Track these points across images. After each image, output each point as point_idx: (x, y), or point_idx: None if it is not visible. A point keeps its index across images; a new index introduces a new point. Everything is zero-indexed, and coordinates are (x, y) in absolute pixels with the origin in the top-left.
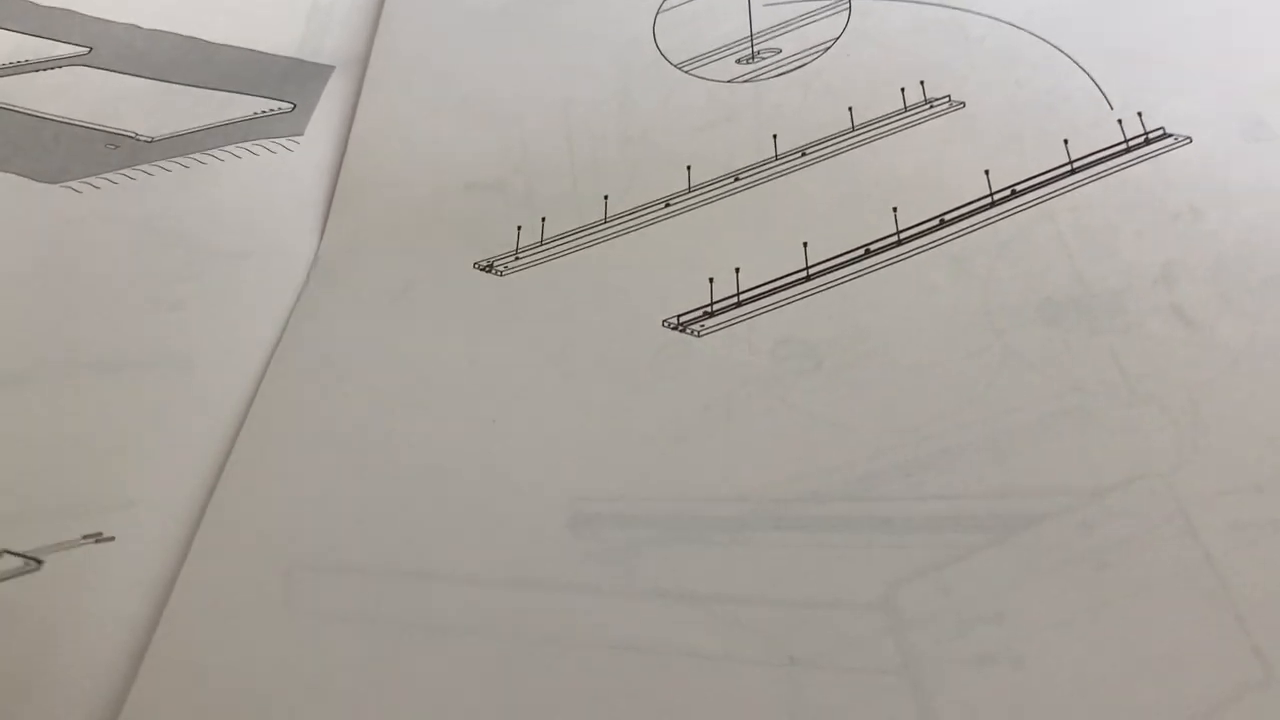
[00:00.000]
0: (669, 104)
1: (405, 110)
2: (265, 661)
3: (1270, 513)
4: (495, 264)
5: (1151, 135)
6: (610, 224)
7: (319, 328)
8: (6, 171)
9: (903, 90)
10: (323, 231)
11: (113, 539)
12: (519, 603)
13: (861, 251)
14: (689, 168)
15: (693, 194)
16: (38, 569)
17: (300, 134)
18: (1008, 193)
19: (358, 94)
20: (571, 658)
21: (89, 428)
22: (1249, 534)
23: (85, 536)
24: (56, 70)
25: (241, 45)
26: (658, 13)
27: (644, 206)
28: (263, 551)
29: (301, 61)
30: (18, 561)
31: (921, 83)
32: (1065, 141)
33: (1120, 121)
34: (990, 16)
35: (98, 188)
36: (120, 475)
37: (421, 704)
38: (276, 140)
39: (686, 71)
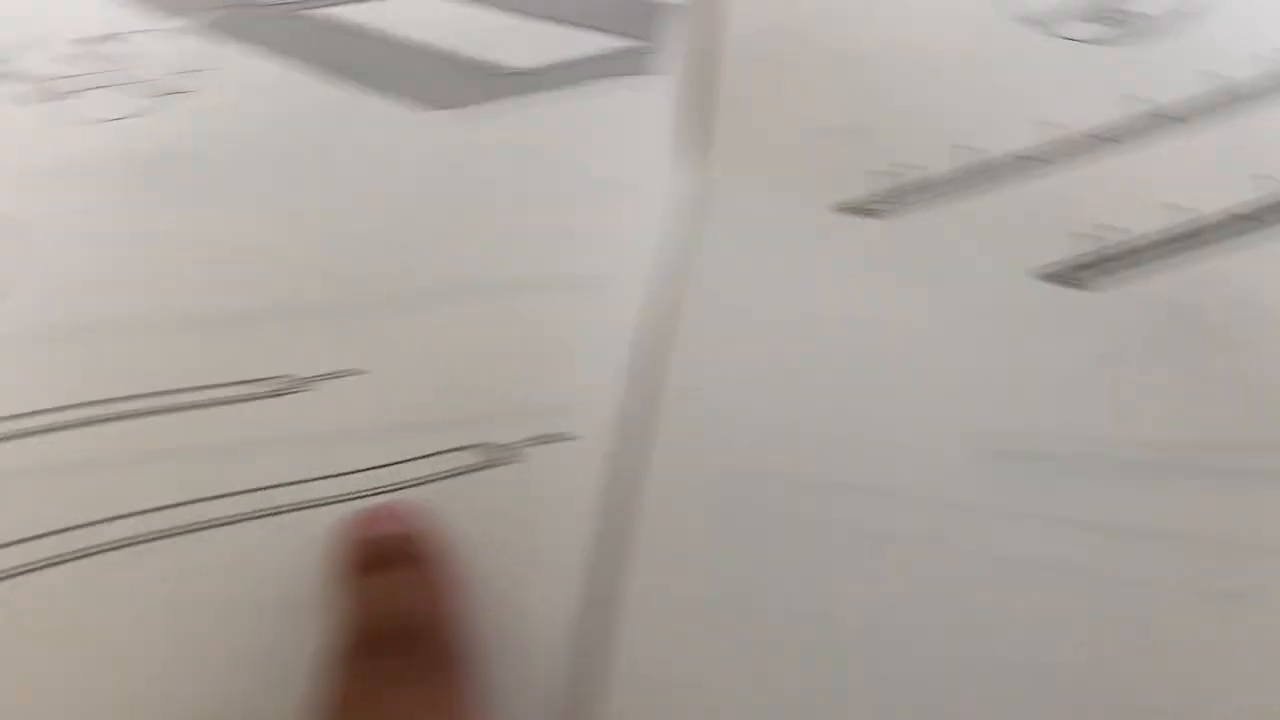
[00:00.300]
0: (1029, 60)
1: (767, 52)
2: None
3: None
4: (870, 206)
5: None
6: (971, 174)
7: (712, 258)
8: (389, 97)
9: (1269, 59)
10: (693, 167)
11: (575, 438)
12: (934, 521)
13: (1250, 219)
14: (1048, 124)
15: (1057, 147)
16: (512, 464)
17: (657, 72)
18: None
19: (712, 35)
20: (984, 571)
21: (525, 339)
22: None
23: (547, 436)
24: None
25: None
26: None
27: (1004, 160)
28: (709, 457)
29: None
30: (495, 453)
31: None
32: None
33: None
34: None
35: (479, 118)
36: (566, 382)
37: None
38: (636, 78)
39: (1038, 28)
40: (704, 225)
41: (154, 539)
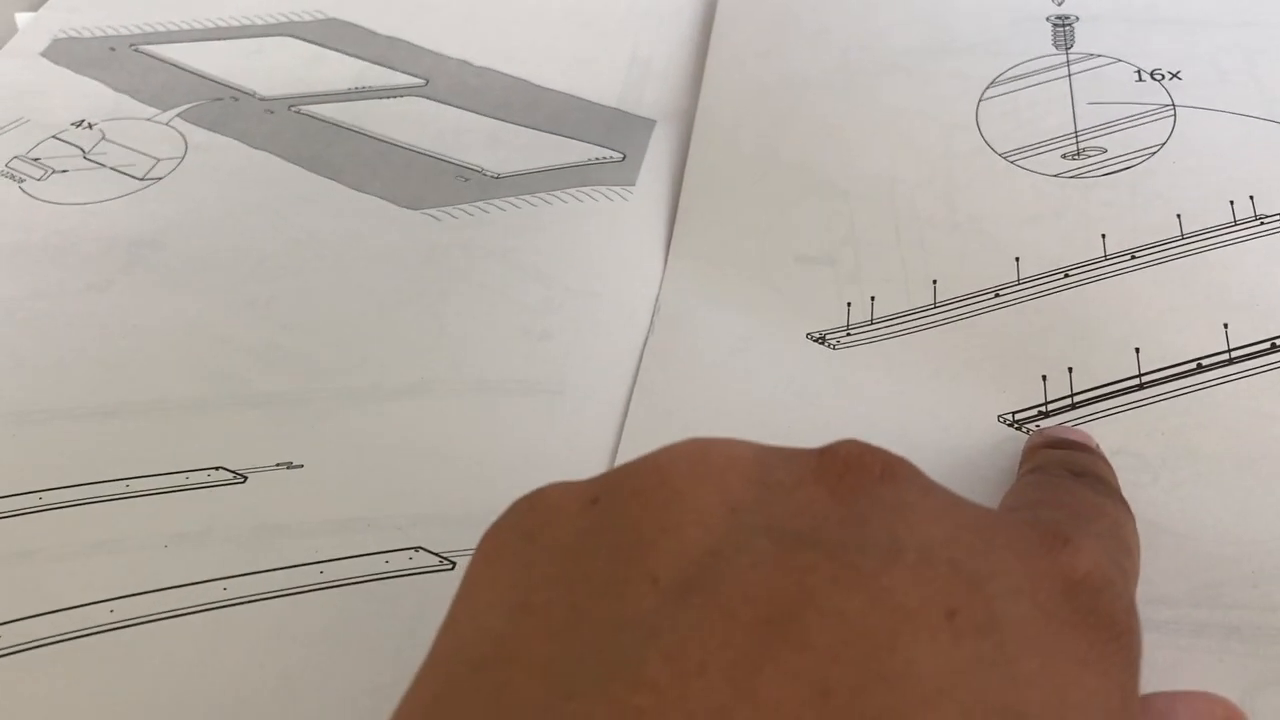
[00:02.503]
0: (996, 192)
1: (731, 171)
2: None
3: None
4: (828, 336)
5: None
6: (940, 309)
7: (670, 371)
8: (367, 193)
9: (1232, 203)
10: (661, 281)
11: None
12: None
13: (1194, 366)
14: (1018, 259)
15: (1023, 286)
16: (451, 570)
17: (632, 184)
18: None
19: (683, 149)
20: None
21: (485, 443)
22: None
23: None
24: (397, 99)
25: (566, 91)
26: (980, 100)
27: (973, 294)
28: None
29: (624, 112)
30: (433, 559)
31: (1251, 197)
32: None
33: None
34: None
35: (455, 217)
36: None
37: None
38: (612, 188)
39: (1012, 161)
40: (675, 337)
41: (83, 635)
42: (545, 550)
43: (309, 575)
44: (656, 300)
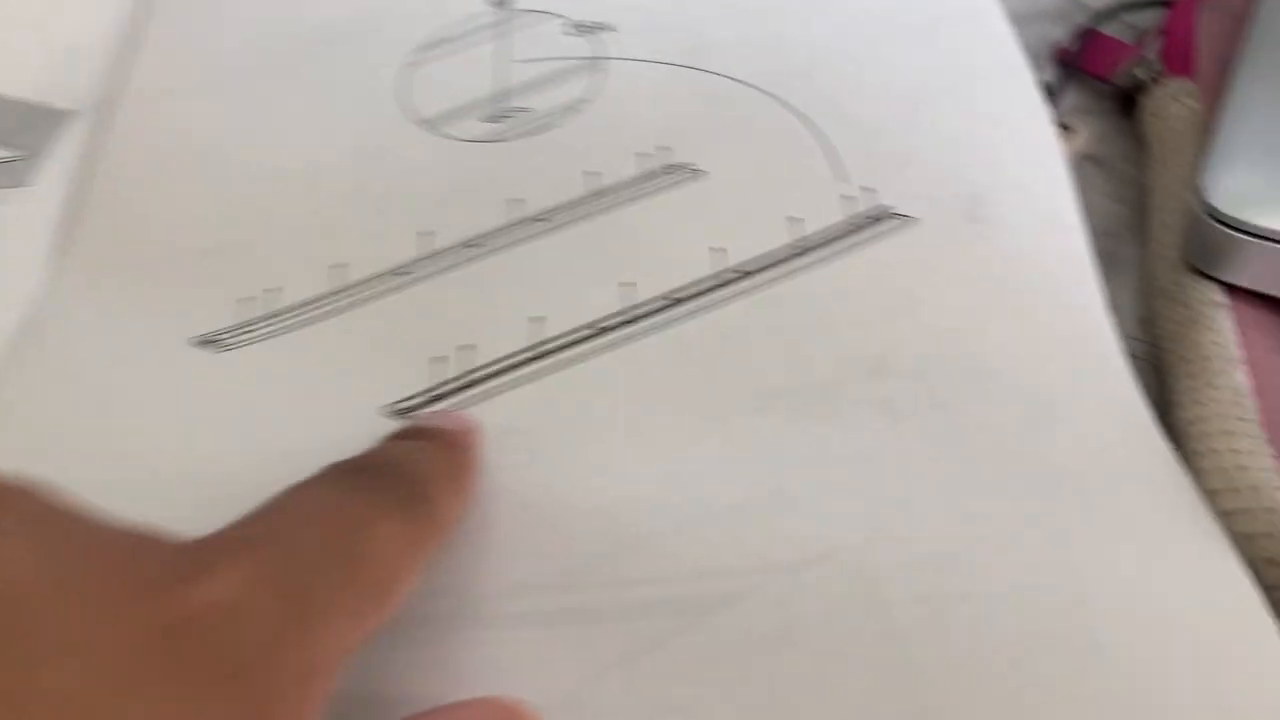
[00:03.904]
0: (412, 164)
1: (143, 167)
2: None
3: (958, 586)
4: (221, 337)
5: (879, 214)
6: (344, 294)
7: (28, 394)
8: None
9: (646, 157)
10: (43, 290)
11: None
12: None
13: (593, 330)
14: (430, 234)
15: (431, 260)
16: None
17: (26, 185)
18: (736, 274)
19: (102, 145)
20: None
21: None
22: (936, 605)
23: None
24: None
25: None
26: (406, 66)
27: (380, 275)
28: None
29: (39, 105)
30: None
31: (665, 149)
32: (796, 221)
33: (850, 199)
34: (735, 79)
35: None
36: None
37: None
38: (14, 189)
39: (431, 130)
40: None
41: None
42: None
43: None
44: (32, 313)
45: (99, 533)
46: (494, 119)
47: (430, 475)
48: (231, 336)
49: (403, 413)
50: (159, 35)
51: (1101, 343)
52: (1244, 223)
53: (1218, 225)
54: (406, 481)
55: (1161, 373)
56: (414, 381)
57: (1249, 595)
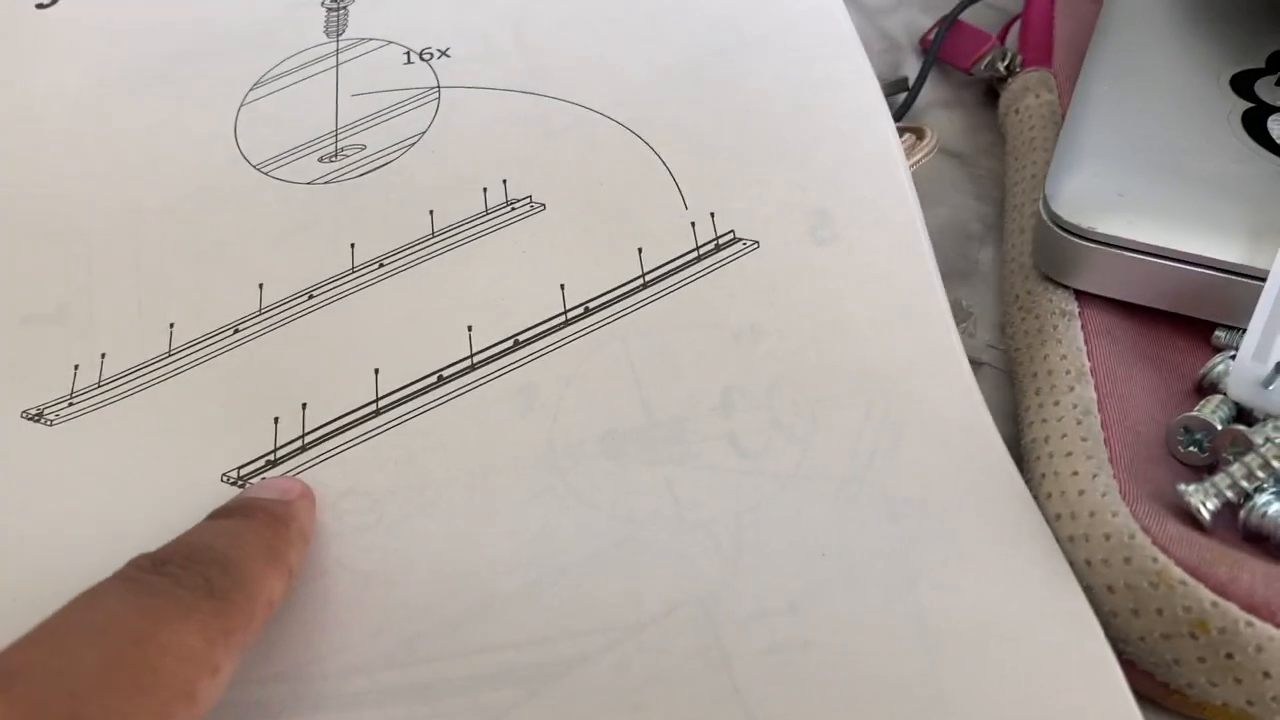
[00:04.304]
0: (245, 210)
1: None
2: None
3: (802, 633)
4: (45, 412)
5: (722, 240)
6: (174, 356)
7: None
8: None
9: (485, 190)
10: None
11: None
12: None
13: (435, 379)
14: (261, 285)
15: (264, 315)
16: None
17: None
18: (581, 310)
19: None
20: None
21: None
22: (781, 657)
23: None
24: None
25: None
26: (241, 104)
27: (211, 334)
28: None
29: None
30: None
31: (504, 181)
32: (640, 251)
33: (694, 224)
34: (575, 104)
35: None
36: None
37: None
38: None
39: (265, 172)
40: None
41: None
42: None
43: None
44: None
45: None
46: (330, 158)
47: (244, 556)
48: (61, 408)
49: (242, 480)
50: None
51: (950, 362)
52: (1087, 230)
53: (1061, 232)
54: (217, 567)
55: (1014, 387)
56: (255, 445)
57: (1091, 628)
